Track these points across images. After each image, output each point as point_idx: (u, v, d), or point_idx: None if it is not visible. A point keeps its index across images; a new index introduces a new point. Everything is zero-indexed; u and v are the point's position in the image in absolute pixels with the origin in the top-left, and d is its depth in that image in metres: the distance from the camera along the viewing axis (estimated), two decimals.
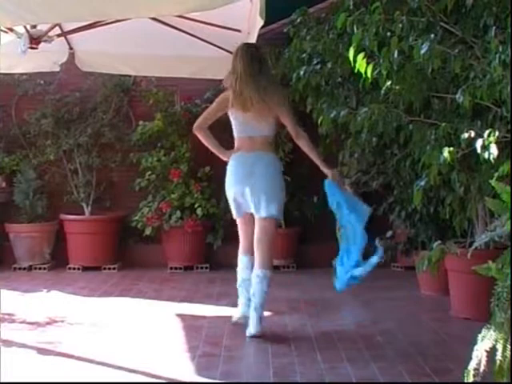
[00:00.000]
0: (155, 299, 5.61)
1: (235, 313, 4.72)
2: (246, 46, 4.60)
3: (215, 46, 5.79)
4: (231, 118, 4.60)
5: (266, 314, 5.06)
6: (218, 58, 5.99)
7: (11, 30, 4.56)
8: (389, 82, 4.25)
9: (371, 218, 4.48)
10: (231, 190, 4.53)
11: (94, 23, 4.88)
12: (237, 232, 4.74)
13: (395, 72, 4.23)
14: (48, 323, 4.82)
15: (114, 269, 6.87)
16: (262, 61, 4.60)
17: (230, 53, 5.90)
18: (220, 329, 4.61)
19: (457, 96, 4.01)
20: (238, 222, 4.65)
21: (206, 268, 6.89)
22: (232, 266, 6.52)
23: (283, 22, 6.39)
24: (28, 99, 7.16)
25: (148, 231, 6.87)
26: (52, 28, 4.80)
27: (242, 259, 4.65)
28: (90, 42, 5.69)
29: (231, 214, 4.69)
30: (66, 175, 7.19)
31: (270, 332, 4.52)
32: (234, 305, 5.31)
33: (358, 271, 4.38)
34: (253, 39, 4.33)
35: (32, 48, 4.59)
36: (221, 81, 6.79)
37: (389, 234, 6.10)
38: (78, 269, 6.85)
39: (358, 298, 5.64)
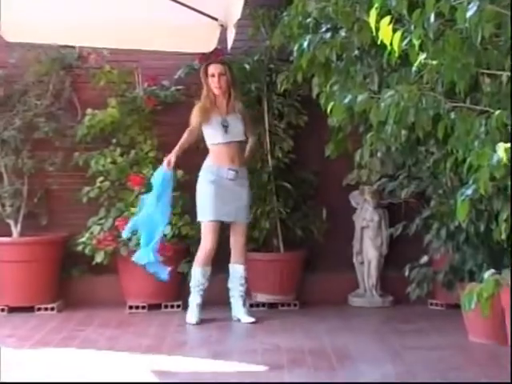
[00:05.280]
0: (109, 350, 5.57)
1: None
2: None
3: (193, 9, 5.79)
4: None
5: (260, 368, 5.03)
6: (197, 26, 5.99)
7: None
8: (423, 56, 4.24)
9: None
10: None
11: None
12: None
13: (432, 42, 4.22)
14: None
15: (52, 309, 6.85)
16: None
17: (213, 18, 5.92)
18: None
19: None
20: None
21: (178, 306, 6.89)
22: (212, 303, 6.55)
23: None
24: None
25: (99, 258, 6.86)
26: None
27: None
28: (20, 7, 5.69)
29: None
30: None
31: None
32: (215, 355, 5.30)
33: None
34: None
35: None
36: (197, 55, 6.85)
37: (424, 259, 6.09)
38: (3, 310, 6.83)
39: (383, 346, 5.63)
